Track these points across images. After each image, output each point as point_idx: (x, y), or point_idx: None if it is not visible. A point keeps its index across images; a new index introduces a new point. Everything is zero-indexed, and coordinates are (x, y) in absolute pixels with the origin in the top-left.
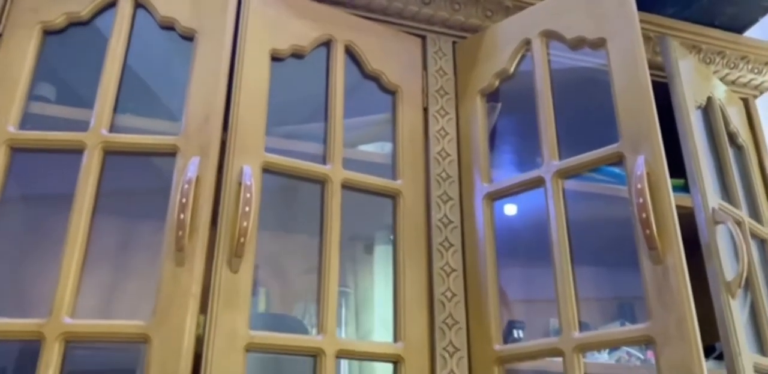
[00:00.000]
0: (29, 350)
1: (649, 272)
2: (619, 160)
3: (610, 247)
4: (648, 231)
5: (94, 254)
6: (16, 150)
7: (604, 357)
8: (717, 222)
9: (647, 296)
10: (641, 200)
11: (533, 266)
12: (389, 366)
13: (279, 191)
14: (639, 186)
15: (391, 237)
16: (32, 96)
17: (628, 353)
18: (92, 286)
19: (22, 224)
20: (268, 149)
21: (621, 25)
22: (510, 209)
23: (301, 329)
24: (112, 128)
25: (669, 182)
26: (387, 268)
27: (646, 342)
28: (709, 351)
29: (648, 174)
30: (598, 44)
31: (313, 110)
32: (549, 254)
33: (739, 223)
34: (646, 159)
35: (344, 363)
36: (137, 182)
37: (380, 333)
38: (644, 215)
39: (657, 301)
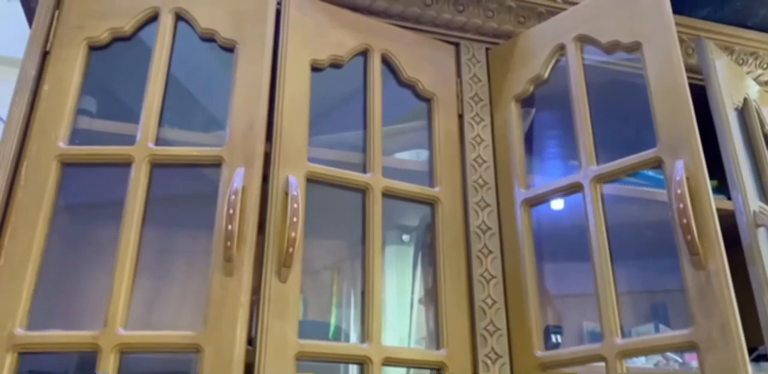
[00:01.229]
0: (81, 359)
1: (691, 277)
2: (657, 164)
3: (642, 249)
4: (689, 237)
5: (142, 266)
6: (66, 165)
7: (641, 360)
8: (758, 225)
9: (689, 301)
10: (681, 206)
11: (562, 268)
12: None
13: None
14: (679, 191)
15: (403, 237)
16: (77, 110)
17: (664, 356)
18: (140, 296)
19: (69, 236)
20: (313, 160)
21: (656, 27)
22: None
23: (340, 336)
24: (158, 141)
25: (709, 186)
26: (397, 268)
27: (689, 348)
28: (749, 353)
29: (687, 179)
30: (633, 48)
31: (350, 118)
32: (583, 255)
33: None
34: (686, 164)
35: None
36: (176, 191)
37: (389, 334)
38: (685, 221)
39: (699, 307)
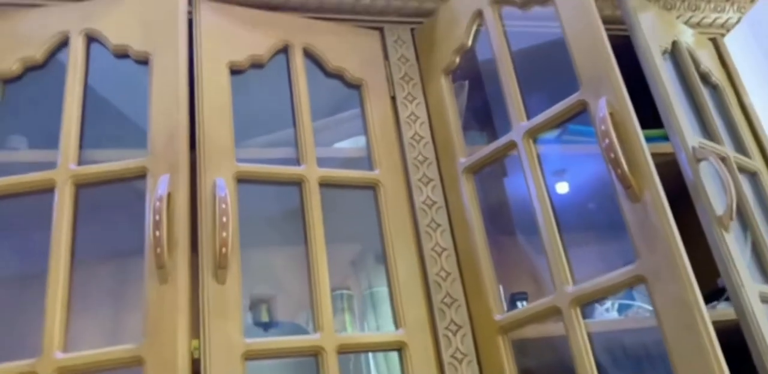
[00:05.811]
0: None
1: (630, 211)
2: (583, 108)
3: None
4: (619, 171)
5: (78, 284)
6: None
7: (613, 314)
8: (699, 159)
9: (632, 236)
10: (608, 141)
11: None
12: None
13: (281, 206)
14: (603, 128)
15: None
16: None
17: (640, 307)
18: (79, 318)
19: (14, 270)
20: (246, 160)
21: None
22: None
23: (303, 333)
24: (83, 164)
25: (635, 118)
26: None
27: (638, 283)
28: (721, 292)
29: (612, 114)
30: None
31: (283, 116)
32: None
33: (723, 159)
34: (608, 100)
35: (371, 360)
36: (110, 209)
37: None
38: (612, 155)
39: (642, 239)
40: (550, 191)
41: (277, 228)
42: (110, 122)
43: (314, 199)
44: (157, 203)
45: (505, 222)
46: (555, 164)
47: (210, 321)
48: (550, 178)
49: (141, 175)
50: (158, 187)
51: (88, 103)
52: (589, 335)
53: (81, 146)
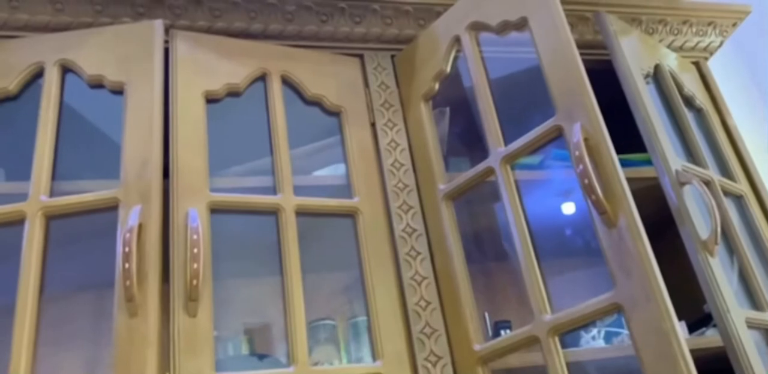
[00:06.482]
0: None
1: (605, 237)
2: (559, 133)
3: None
4: (594, 197)
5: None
6: None
7: (600, 342)
8: (683, 183)
9: (608, 263)
10: (581, 167)
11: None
12: None
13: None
14: (577, 153)
15: None
16: None
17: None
18: (64, 354)
19: None
20: (223, 190)
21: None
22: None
23: (280, 366)
24: (56, 195)
25: (610, 144)
26: None
27: (615, 311)
28: (710, 318)
29: (586, 140)
30: (522, 24)
31: (263, 144)
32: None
33: (707, 182)
34: (583, 125)
35: None
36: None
37: None
38: (586, 181)
39: (618, 266)
40: (529, 216)
41: (263, 258)
42: (85, 152)
43: (290, 228)
44: (127, 235)
45: (493, 248)
46: (537, 191)
47: (180, 355)
48: (531, 203)
49: (113, 206)
50: (129, 218)
51: (62, 133)
52: (569, 364)
53: (54, 178)
